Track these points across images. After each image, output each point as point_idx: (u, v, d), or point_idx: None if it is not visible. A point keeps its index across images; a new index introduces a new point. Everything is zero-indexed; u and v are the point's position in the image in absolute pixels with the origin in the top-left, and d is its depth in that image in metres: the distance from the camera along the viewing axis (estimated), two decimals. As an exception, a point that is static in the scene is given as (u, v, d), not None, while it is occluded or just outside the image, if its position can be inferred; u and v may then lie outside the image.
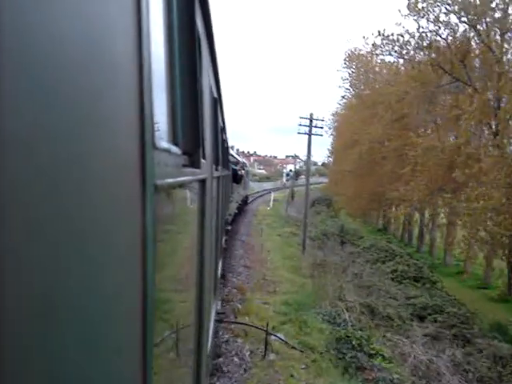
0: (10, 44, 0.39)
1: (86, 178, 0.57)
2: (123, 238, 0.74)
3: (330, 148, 71.28)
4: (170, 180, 1.20)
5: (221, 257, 7.87)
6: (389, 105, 26.73)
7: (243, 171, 24.17)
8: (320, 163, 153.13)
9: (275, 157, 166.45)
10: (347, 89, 40.15)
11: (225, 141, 8.69)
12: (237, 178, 18.68)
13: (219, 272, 6.74)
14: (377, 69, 34.04)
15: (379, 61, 32.59)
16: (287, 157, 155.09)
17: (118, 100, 0.73)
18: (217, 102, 4.45)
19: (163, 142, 1.16)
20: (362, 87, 37.15)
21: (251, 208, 38.83)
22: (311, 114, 23.73)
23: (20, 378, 0.41)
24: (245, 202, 35.25)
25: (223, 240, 9.68)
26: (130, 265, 0.78)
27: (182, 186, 1.58)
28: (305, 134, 24.15)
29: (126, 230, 0.76)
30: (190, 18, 1.75)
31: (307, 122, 23.78)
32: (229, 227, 16.03)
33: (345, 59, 37.23)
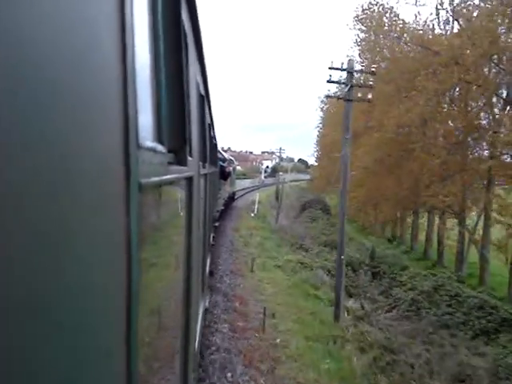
0: None
1: (70, 178, 0.70)
2: (107, 237, 0.91)
3: (317, 141, 72.53)
4: (155, 178, 1.47)
5: (209, 254, 8.88)
6: (430, 74, 24.55)
7: (230, 168, 27.21)
8: (296, 159, 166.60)
9: (251, 152, 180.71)
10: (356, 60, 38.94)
11: (213, 138, 9.81)
12: (224, 175, 21.93)
13: (207, 269, 7.68)
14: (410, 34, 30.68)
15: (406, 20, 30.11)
16: (263, 152, 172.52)
17: (101, 99, 0.87)
18: (204, 100, 5.11)
19: (148, 141, 1.44)
20: (377, 58, 34.32)
21: (232, 217, 34.64)
22: (350, 62, 17.71)
23: (8, 377, 0.50)
24: (231, 198, 37.90)
25: (211, 237, 10.95)
26: (115, 264, 0.96)
27: (167, 184, 1.95)
28: (338, 98, 19.16)
29: (111, 229, 0.93)
30: (176, 13, 2.15)
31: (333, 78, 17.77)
32: (216, 224, 17.65)
33: (355, 18, 34.10)
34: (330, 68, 17.28)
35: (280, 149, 71.24)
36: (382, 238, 40.59)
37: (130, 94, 1.03)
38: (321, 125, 69.57)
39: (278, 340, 11.04)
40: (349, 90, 17.05)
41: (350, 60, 17.79)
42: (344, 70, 17.36)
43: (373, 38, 34.08)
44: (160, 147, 1.70)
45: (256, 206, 41.88)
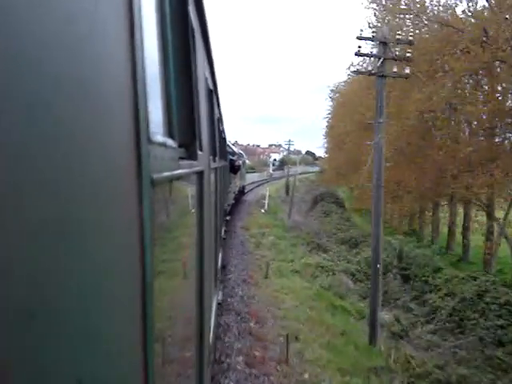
0: None
1: (82, 174, 0.73)
2: (121, 233, 0.95)
3: (325, 132, 70.13)
4: (167, 173, 1.55)
5: (220, 248, 9.31)
6: (458, 53, 22.89)
7: (240, 162, 28.09)
8: (303, 152, 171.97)
9: (258, 146, 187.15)
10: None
11: (222, 132, 10.17)
12: (234, 169, 23.21)
13: (219, 263, 7.98)
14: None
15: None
16: (270, 145, 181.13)
17: (112, 95, 0.91)
18: (212, 94, 5.35)
19: (159, 136, 1.51)
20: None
21: (241, 214, 33.25)
22: (383, 30, 15.23)
23: (18, 377, 0.53)
24: (241, 192, 38.89)
25: (222, 231, 11.57)
26: (129, 260, 1.00)
27: (179, 178, 2.03)
28: (370, 74, 16.19)
29: (124, 225, 0.97)
30: (183, 8, 2.26)
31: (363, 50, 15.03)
32: (227, 217, 18.60)
33: None
34: (358, 38, 14.93)
35: (289, 141, 71.28)
36: (398, 232, 37.68)
37: (140, 89, 1.07)
38: (329, 115, 69.52)
39: (305, 375, 9.08)
40: (382, 63, 14.44)
41: (382, 28, 15.45)
42: (375, 40, 14.89)
43: (388, 17, 32.11)
44: (171, 142, 1.78)
45: (266, 202, 40.36)
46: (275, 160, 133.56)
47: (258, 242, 23.05)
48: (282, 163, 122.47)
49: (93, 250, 0.77)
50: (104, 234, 0.83)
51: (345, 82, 54.93)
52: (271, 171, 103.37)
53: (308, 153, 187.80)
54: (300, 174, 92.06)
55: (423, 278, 22.38)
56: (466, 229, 30.47)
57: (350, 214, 45.22)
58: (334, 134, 59.28)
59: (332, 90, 63.94)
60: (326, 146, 75.77)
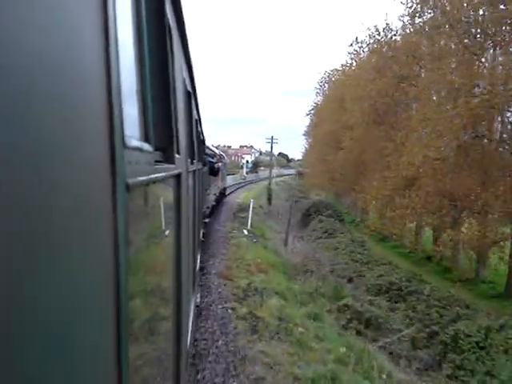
0: None
1: (55, 180, 0.74)
2: (94, 239, 0.98)
3: (305, 131, 69.74)
4: (142, 178, 1.58)
5: (199, 250, 9.80)
6: None
7: (220, 164, 28.67)
8: (276, 153, 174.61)
9: (229, 147, 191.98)
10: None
11: (200, 134, 10.71)
12: (214, 171, 24.05)
13: (198, 266, 8.27)
14: None
15: None
16: (241, 147, 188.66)
17: (85, 99, 0.92)
18: (191, 96, 5.52)
19: (134, 140, 1.54)
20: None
21: (217, 242, 22.08)
22: None
23: None
24: (222, 194, 39.17)
25: (201, 233, 12.18)
26: (103, 265, 1.03)
27: (155, 182, 2.07)
28: None
29: (97, 231, 1.00)
30: (160, 6, 2.30)
31: None
32: (206, 220, 19.17)
33: None
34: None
35: (271, 138, 63.80)
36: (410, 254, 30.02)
37: (115, 92, 1.09)
38: (312, 112, 66.30)
39: None
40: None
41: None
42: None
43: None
44: (147, 146, 1.83)
45: (250, 218, 30.43)
46: (247, 162, 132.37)
47: (254, 317, 11.40)
48: (255, 165, 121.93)
49: (65, 256, 0.78)
50: (77, 240, 0.85)
51: (342, 66, 48.82)
52: (245, 174, 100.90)
53: (281, 154, 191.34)
54: (277, 176, 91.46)
55: None
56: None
57: (355, 232, 37.89)
58: (320, 131, 53.59)
59: (322, 78, 59.34)
60: (306, 146, 72.68)
